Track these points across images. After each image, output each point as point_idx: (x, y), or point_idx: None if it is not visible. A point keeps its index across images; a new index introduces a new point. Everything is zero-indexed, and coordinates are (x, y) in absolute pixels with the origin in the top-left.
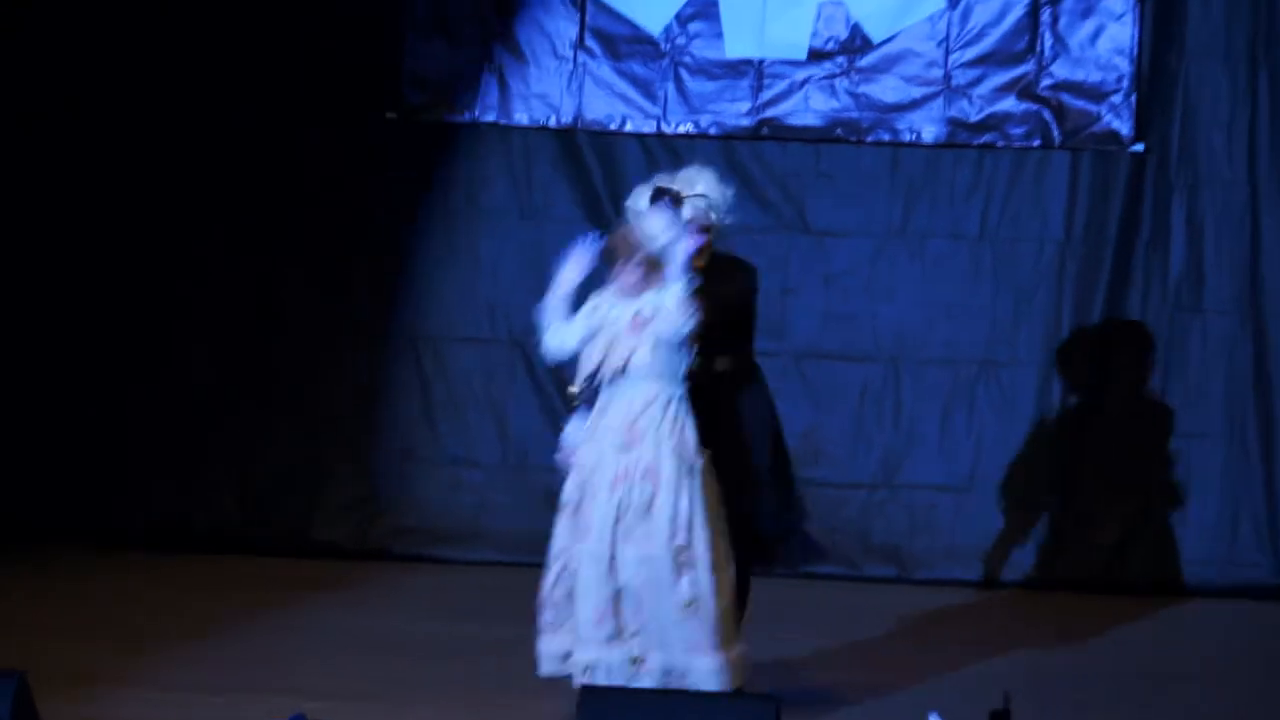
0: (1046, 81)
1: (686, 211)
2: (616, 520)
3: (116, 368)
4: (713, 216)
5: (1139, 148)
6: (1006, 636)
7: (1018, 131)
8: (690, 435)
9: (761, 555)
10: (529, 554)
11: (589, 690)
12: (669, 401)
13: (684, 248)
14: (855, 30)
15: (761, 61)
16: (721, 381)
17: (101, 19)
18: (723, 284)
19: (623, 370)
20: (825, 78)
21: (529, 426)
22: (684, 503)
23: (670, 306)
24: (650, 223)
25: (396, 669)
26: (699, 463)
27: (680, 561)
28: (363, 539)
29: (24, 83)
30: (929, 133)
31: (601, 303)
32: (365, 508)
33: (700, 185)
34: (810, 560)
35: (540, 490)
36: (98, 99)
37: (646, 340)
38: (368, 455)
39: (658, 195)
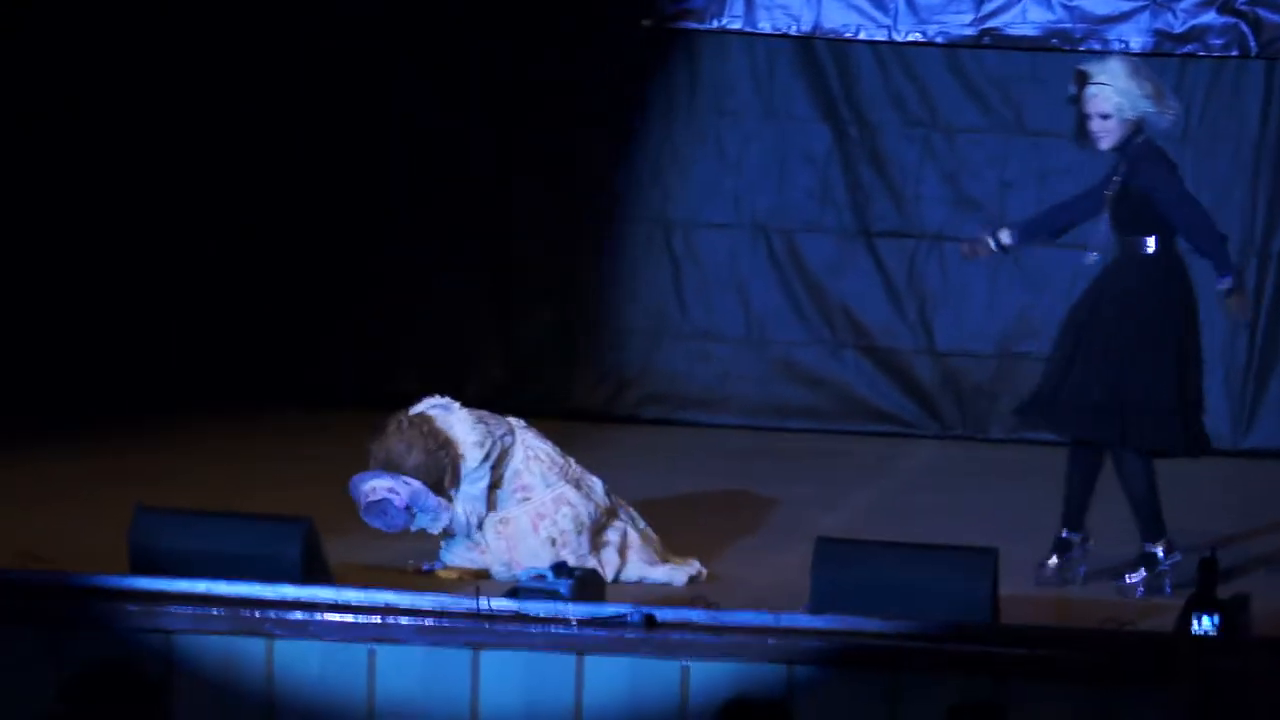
0: None
1: (1093, 94)
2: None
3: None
4: (1114, 104)
5: None
6: (1207, 495)
7: (1217, 43)
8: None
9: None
10: (767, 419)
11: (824, 540)
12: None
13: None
14: None
15: None
16: (1151, 264)
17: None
18: (1133, 174)
19: None
20: None
21: (769, 304)
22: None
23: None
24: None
25: (652, 518)
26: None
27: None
28: (616, 404)
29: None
30: (1136, 43)
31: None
32: (619, 375)
33: (1109, 74)
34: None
35: (779, 362)
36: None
37: None
38: (622, 328)
39: (1078, 78)
